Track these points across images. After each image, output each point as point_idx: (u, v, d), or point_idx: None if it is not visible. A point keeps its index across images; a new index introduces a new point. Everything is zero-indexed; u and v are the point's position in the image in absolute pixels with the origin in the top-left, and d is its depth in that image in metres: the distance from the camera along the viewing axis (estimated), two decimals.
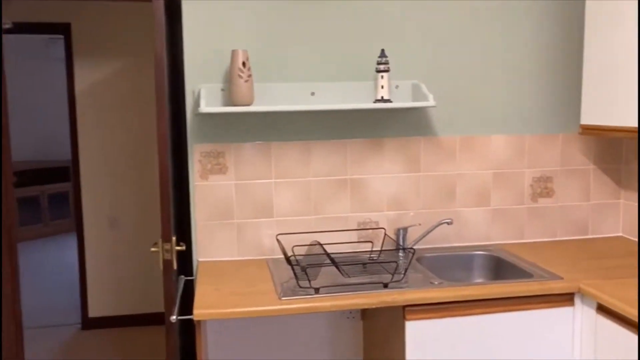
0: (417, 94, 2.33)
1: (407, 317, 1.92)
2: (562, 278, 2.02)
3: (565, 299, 2.00)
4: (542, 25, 2.50)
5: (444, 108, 2.45)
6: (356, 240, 2.43)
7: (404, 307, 1.92)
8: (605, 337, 1.88)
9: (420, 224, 2.43)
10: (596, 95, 2.29)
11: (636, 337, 1.74)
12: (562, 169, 2.57)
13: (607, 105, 2.23)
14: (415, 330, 1.92)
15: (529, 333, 1.99)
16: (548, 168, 2.56)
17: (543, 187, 2.57)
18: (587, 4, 2.30)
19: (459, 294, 1.92)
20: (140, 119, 4.07)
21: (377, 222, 2.45)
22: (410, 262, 1.99)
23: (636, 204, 2.54)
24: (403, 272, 2.01)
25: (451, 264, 2.40)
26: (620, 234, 2.65)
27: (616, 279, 1.99)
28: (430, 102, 2.21)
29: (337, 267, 1.99)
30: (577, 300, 2.00)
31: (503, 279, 2.22)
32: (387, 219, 2.46)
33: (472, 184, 2.51)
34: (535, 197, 2.57)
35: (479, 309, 1.95)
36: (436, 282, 2.00)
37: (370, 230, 2.45)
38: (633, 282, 1.95)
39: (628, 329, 1.78)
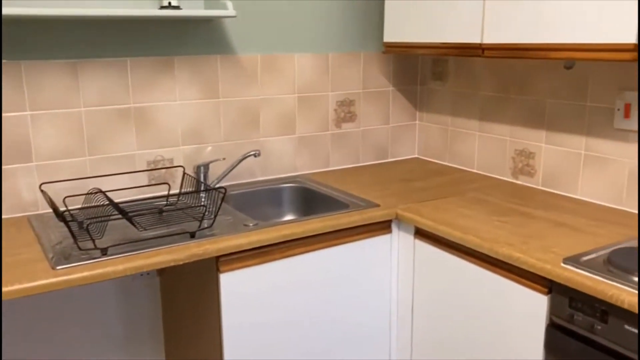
0: (212, 1, 1.94)
1: (221, 268, 1.62)
2: (378, 205, 1.91)
3: (384, 226, 1.90)
4: None
5: (242, 21, 2.10)
6: (147, 184, 2.01)
7: (217, 257, 1.61)
8: (423, 260, 1.83)
9: (224, 159, 2.10)
10: (399, 12, 2.17)
11: (453, 256, 1.71)
12: (364, 92, 2.46)
13: (409, 21, 2.12)
14: (231, 282, 1.64)
15: (350, 266, 1.85)
16: (351, 91, 2.42)
17: (347, 112, 2.43)
18: None
19: (280, 234, 1.68)
20: None
21: (171, 160, 2.06)
22: (220, 204, 1.67)
23: (431, 125, 2.56)
24: (213, 216, 1.68)
25: (260, 201, 2.15)
26: (416, 156, 2.67)
27: (428, 202, 1.95)
28: (230, 11, 1.84)
29: (128, 219, 1.58)
30: (394, 227, 1.92)
31: (318, 212, 2.05)
32: (183, 155, 2.08)
33: (277, 110, 2.25)
34: (339, 122, 2.42)
35: (299, 248, 1.74)
36: (251, 225, 1.72)
37: (164, 170, 2.05)
38: (445, 204, 1.93)
39: (444, 249, 1.74)
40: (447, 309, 1.76)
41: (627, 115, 1.79)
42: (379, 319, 1.95)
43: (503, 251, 1.52)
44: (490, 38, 1.82)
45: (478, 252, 1.62)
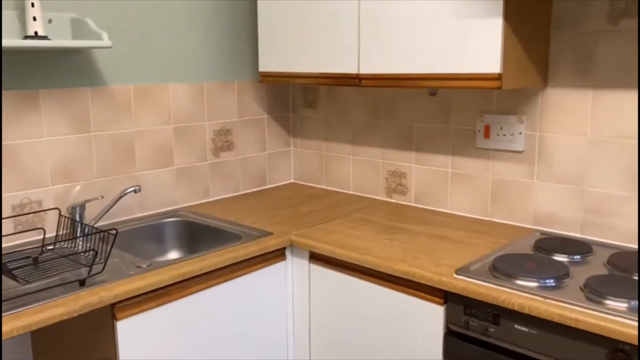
0: (79, 30, 1.82)
1: (118, 315, 1.50)
2: (272, 233, 1.92)
3: (278, 254, 1.90)
4: None
5: (113, 51, 2.00)
6: (14, 232, 1.80)
7: (112, 304, 1.49)
8: (318, 283, 1.87)
9: (102, 197, 1.96)
10: (274, 42, 2.21)
11: (349, 276, 1.77)
12: (240, 120, 2.45)
13: (285, 51, 2.18)
14: (129, 329, 1.53)
15: (249, 298, 1.83)
16: (227, 120, 2.40)
17: (224, 141, 2.40)
18: None
19: (178, 273, 1.60)
20: None
21: (39, 202, 1.87)
22: (112, 247, 1.55)
23: (305, 150, 2.64)
24: (104, 261, 1.56)
25: (143, 239, 2.03)
26: (292, 181, 2.72)
27: (318, 226, 2.00)
28: (105, 41, 1.74)
29: (7, 272, 1.40)
30: (288, 254, 1.93)
31: (207, 245, 1.99)
32: (54, 196, 1.90)
33: (153, 142, 2.16)
34: (217, 151, 2.39)
35: (197, 286, 1.68)
36: (144, 266, 1.62)
37: (33, 215, 1.85)
38: (334, 227, 1.99)
39: (340, 271, 1.80)
40: (345, 329, 1.81)
41: (487, 135, 2.01)
42: (278, 348, 1.95)
43: (399, 268, 1.62)
44: (366, 69, 1.94)
45: (375, 270, 1.70)
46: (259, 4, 2.23)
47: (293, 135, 2.68)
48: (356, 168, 2.46)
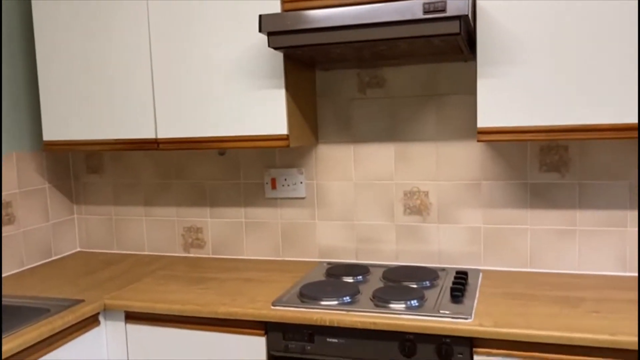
0: None
1: None
2: (83, 300, 1.90)
3: (92, 320, 1.89)
4: None
5: None
6: None
7: None
8: (137, 341, 1.91)
9: None
10: (60, 110, 2.22)
11: (169, 329, 1.87)
12: (20, 192, 2.35)
13: (74, 119, 2.20)
14: None
15: None
16: (7, 192, 2.28)
17: (4, 214, 2.27)
18: (35, 15, 2.19)
19: None
20: None
21: None
22: None
23: (92, 217, 2.61)
24: None
25: None
26: (78, 249, 2.66)
27: (127, 287, 2.04)
28: None
29: None
30: (101, 318, 1.93)
31: (15, 324, 1.86)
32: None
33: None
34: None
35: None
36: None
37: None
38: (144, 286, 2.06)
39: (158, 325, 1.88)
40: None
41: (273, 186, 2.33)
42: None
43: (223, 310, 1.79)
44: (163, 133, 2.10)
45: (197, 317, 1.83)
46: (39, 72, 2.22)
47: (77, 203, 2.64)
48: (150, 228, 2.54)
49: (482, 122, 1.74)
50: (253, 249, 2.41)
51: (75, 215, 2.65)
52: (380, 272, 2.10)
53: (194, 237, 2.49)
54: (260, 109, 1.97)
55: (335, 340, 1.71)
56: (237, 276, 2.14)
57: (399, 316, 1.66)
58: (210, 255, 2.47)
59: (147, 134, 2.12)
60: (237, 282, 2.06)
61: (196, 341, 1.85)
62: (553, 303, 1.71)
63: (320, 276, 2.07)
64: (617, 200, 1.96)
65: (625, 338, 1.44)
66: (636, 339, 1.44)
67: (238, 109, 2.00)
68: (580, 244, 2.02)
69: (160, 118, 2.09)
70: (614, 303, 1.70)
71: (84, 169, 2.61)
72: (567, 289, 1.84)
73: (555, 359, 1.51)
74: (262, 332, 1.78)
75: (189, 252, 2.50)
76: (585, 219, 2.00)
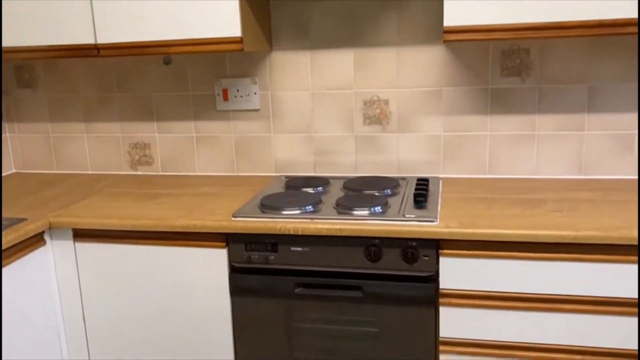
0: None
1: None
2: (26, 219, 1.77)
3: (36, 240, 1.77)
4: None
5: None
6: None
7: None
8: (87, 260, 1.81)
9: None
10: None
11: (121, 245, 1.78)
12: None
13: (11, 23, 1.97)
14: None
15: (13, 293, 1.67)
16: None
17: None
18: None
19: None
20: None
21: None
22: None
23: (28, 135, 2.42)
24: None
25: None
26: (14, 171, 2.47)
27: (74, 205, 1.92)
28: None
29: None
30: (47, 238, 1.81)
31: None
32: None
33: None
34: None
35: None
36: None
37: None
38: (93, 203, 1.94)
39: (110, 242, 1.78)
40: (126, 300, 1.82)
41: (225, 98, 2.20)
42: (50, 337, 1.83)
43: (180, 223, 1.71)
44: (103, 38, 1.91)
45: (152, 232, 1.74)
46: None
47: (9, 121, 2.42)
48: (93, 145, 2.38)
49: (449, 20, 1.66)
50: (205, 165, 2.30)
51: (8, 134, 2.44)
52: (340, 183, 2.05)
53: (141, 153, 2.35)
54: (211, 8, 1.81)
55: (299, 249, 1.67)
56: (193, 191, 2.04)
57: (363, 221, 1.63)
58: (160, 173, 2.35)
59: (85, 39, 1.92)
60: (193, 196, 1.97)
61: (152, 257, 1.77)
62: (515, 205, 1.73)
63: (279, 189, 2.01)
64: (576, 104, 1.97)
65: (588, 233, 1.47)
66: (599, 233, 1.47)
67: (186, 10, 1.83)
68: (538, 148, 2.03)
69: (99, 20, 1.90)
70: (574, 202, 1.73)
71: (14, 82, 2.38)
72: (528, 192, 1.86)
73: (521, 256, 1.53)
74: (224, 244, 1.72)
75: (136, 170, 2.37)
76: (544, 123, 2.00)
